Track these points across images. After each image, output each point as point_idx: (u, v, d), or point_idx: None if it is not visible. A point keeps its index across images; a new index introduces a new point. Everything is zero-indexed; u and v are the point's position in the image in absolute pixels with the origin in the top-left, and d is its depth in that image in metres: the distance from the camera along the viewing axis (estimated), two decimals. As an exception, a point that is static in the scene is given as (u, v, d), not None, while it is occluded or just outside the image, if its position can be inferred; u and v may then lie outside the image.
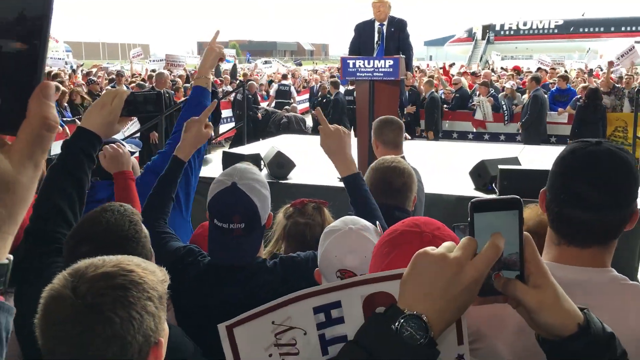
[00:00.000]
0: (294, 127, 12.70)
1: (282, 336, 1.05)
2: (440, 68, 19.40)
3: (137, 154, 3.27)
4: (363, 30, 6.48)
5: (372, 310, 0.96)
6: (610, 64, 13.38)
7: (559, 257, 1.40)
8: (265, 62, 28.80)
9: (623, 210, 1.37)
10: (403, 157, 3.61)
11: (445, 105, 12.47)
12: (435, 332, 0.83)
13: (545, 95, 11.56)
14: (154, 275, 1.26)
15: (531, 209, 2.12)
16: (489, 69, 21.90)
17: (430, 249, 0.90)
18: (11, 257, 0.57)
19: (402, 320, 0.82)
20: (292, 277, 1.92)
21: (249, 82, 13.74)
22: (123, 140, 3.30)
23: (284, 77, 18.51)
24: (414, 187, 2.47)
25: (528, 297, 0.89)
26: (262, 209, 1.97)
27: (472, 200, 0.91)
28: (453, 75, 15.97)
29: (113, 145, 2.54)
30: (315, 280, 1.72)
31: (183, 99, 11.35)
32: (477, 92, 12.40)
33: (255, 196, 1.95)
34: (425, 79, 13.59)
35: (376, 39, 6.27)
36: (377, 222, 1.70)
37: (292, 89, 16.55)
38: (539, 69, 16.92)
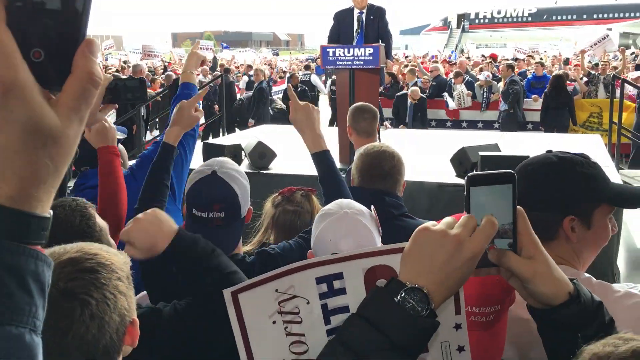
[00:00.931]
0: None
1: (285, 304, 1.06)
2: (420, 57, 19.47)
3: (121, 141, 3.24)
4: (342, 19, 6.46)
5: (373, 282, 0.99)
6: (583, 52, 13.59)
7: None
8: (241, 51, 28.60)
9: (554, 213, 1.46)
10: None
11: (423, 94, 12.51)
12: (436, 303, 0.89)
13: (522, 82, 11.70)
14: (117, 256, 1.27)
15: None
16: (465, 57, 22.01)
17: (431, 224, 0.94)
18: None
19: (403, 293, 0.87)
20: (270, 270, 1.90)
21: (256, 71, 13.56)
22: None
23: (249, 67, 18.29)
24: (403, 171, 2.48)
25: (522, 268, 0.94)
26: (242, 199, 1.93)
27: (468, 174, 0.95)
28: (430, 63, 16.03)
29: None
30: None
31: (159, 90, 11.25)
32: (453, 82, 12.47)
33: (235, 184, 1.91)
34: (405, 68, 13.62)
35: (355, 27, 6.26)
36: (372, 207, 1.69)
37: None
38: (516, 58, 17.10)
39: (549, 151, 1.53)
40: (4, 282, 0.52)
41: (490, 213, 0.93)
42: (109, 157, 2.42)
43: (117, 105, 2.62)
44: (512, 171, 0.95)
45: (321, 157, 2.15)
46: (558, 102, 10.56)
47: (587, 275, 1.49)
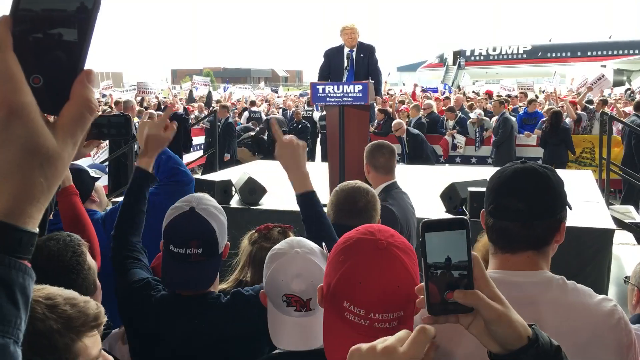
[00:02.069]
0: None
1: None
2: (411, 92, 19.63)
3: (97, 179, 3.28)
4: (333, 56, 6.56)
5: None
6: (589, 89, 13.76)
7: (495, 265, 1.55)
8: (239, 87, 28.90)
9: (546, 220, 1.50)
10: (394, 182, 3.62)
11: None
12: None
13: (513, 118, 11.80)
14: (62, 321, 1.21)
15: (480, 242, 2.21)
16: (461, 93, 22.22)
17: (364, 345, 0.92)
18: (37, 229, 0.62)
19: None
20: (245, 312, 1.89)
21: (220, 107, 13.77)
22: (88, 165, 3.27)
23: (253, 103, 18.52)
24: (377, 207, 2.48)
25: (490, 307, 0.94)
26: (220, 235, 1.94)
27: (422, 221, 0.95)
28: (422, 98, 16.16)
29: None
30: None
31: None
32: (446, 118, 12.55)
33: (213, 221, 1.92)
34: (402, 104, 13.68)
35: (345, 64, 6.33)
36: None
37: (263, 115, 16.61)
38: (508, 95, 17.27)
39: (524, 161, 1.58)
40: None
41: (446, 257, 0.94)
42: (69, 199, 2.45)
43: (101, 141, 2.65)
44: (465, 218, 0.97)
45: (305, 198, 2.10)
46: (556, 139, 10.59)
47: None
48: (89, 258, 1.83)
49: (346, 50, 6.44)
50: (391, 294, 1.17)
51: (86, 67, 0.63)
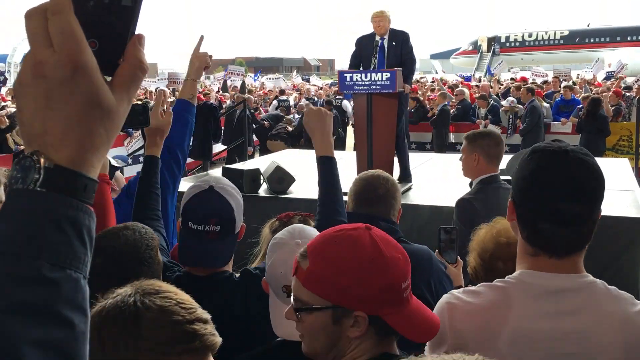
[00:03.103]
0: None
1: None
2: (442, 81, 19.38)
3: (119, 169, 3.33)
4: (364, 44, 6.44)
5: None
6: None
7: (538, 267, 1.41)
8: (268, 78, 28.94)
9: (595, 217, 1.38)
10: (496, 175, 3.45)
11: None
12: None
13: (542, 105, 11.54)
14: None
15: (485, 230, 2.06)
16: (494, 80, 21.82)
17: None
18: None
19: None
20: (254, 289, 1.90)
21: (248, 97, 13.84)
22: (114, 157, 3.32)
23: (282, 92, 18.55)
24: (398, 197, 2.44)
25: None
26: (237, 214, 1.97)
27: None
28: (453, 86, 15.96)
29: None
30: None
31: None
32: (477, 106, 12.38)
33: (232, 199, 1.96)
34: (432, 92, 13.56)
35: (374, 52, 6.25)
36: None
37: (291, 102, 16.66)
38: (545, 81, 16.90)
39: (565, 150, 1.39)
40: (67, 232, 0.61)
41: None
42: (100, 185, 2.48)
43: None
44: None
45: (325, 161, 2.17)
46: (594, 127, 10.27)
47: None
48: (159, 254, 1.84)
49: (377, 38, 6.35)
50: None
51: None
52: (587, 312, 1.36)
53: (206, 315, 1.21)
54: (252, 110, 13.39)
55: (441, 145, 11.90)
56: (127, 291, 1.20)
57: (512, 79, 22.28)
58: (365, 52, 6.40)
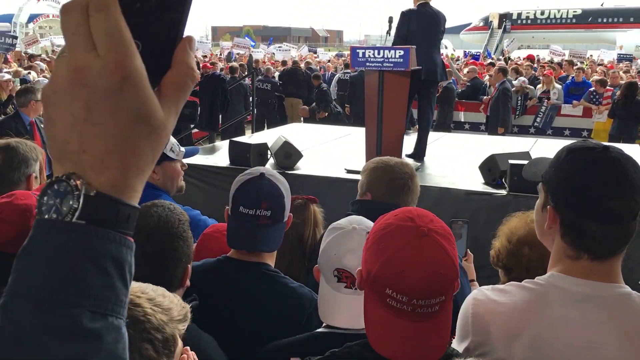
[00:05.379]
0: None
1: None
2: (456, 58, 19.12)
3: None
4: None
5: None
6: None
7: (574, 271, 1.37)
8: (279, 48, 28.67)
9: (639, 215, 1.34)
10: None
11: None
12: None
13: (554, 87, 11.34)
14: (165, 314, 1.17)
15: (519, 218, 2.04)
16: (504, 58, 21.54)
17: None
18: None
19: None
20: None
21: (267, 68, 13.58)
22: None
23: (284, 63, 18.23)
24: (417, 186, 2.40)
25: None
26: (287, 201, 2.00)
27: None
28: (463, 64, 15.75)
29: None
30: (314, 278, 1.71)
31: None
32: (489, 84, 12.18)
33: (282, 187, 1.99)
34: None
35: (387, 28, 6.13)
36: None
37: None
38: (561, 62, 16.66)
39: (605, 148, 1.37)
40: (109, 273, 0.53)
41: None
42: None
43: None
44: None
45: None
46: (628, 113, 9.80)
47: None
48: (189, 229, 1.83)
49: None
50: (434, 281, 1.22)
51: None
52: (612, 324, 1.33)
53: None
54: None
55: (443, 124, 11.51)
56: None
57: (519, 57, 21.97)
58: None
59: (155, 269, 1.20)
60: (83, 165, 0.53)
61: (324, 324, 1.62)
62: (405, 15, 5.88)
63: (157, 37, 0.57)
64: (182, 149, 2.80)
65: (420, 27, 5.87)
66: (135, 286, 1.20)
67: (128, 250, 0.55)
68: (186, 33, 0.59)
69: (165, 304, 1.19)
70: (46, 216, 0.53)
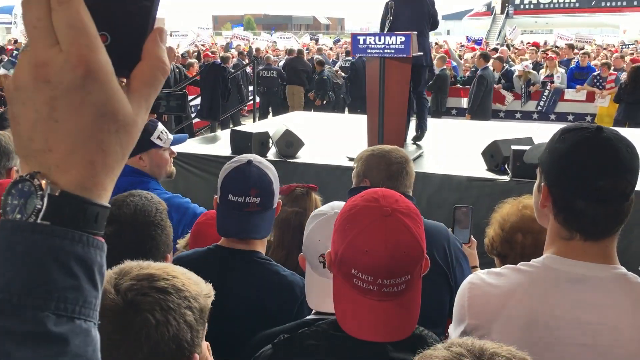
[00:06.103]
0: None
1: None
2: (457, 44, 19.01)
3: None
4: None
5: None
6: None
7: (568, 252, 1.37)
8: (282, 36, 28.54)
9: (631, 196, 1.35)
10: None
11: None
12: None
13: (557, 71, 11.25)
14: (197, 286, 1.20)
15: (511, 204, 2.03)
16: (506, 44, 21.39)
17: None
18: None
19: None
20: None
21: (267, 56, 13.53)
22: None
23: (289, 52, 18.20)
24: (412, 172, 2.40)
25: None
26: (275, 188, 1.99)
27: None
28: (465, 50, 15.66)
29: None
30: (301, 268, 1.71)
31: (195, 73, 11.27)
32: (493, 68, 12.09)
33: (270, 173, 1.99)
34: (438, 54, 13.29)
35: (388, 14, 6.07)
36: None
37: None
38: (557, 46, 16.55)
39: (599, 129, 1.36)
40: (76, 275, 0.51)
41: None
42: None
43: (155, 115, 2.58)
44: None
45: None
46: (635, 97, 9.58)
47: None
48: (167, 218, 1.82)
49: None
50: (398, 259, 1.23)
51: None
52: (610, 305, 1.32)
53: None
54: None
55: (435, 112, 11.21)
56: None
57: (521, 42, 21.81)
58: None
59: (134, 258, 1.21)
60: (48, 164, 0.52)
61: (313, 311, 1.61)
62: (388, 4, 5.86)
63: (126, 29, 0.55)
64: (170, 136, 2.77)
65: (405, 15, 5.87)
66: (165, 264, 1.24)
67: (97, 250, 0.53)
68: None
69: (194, 278, 1.23)
70: (10, 216, 0.51)
